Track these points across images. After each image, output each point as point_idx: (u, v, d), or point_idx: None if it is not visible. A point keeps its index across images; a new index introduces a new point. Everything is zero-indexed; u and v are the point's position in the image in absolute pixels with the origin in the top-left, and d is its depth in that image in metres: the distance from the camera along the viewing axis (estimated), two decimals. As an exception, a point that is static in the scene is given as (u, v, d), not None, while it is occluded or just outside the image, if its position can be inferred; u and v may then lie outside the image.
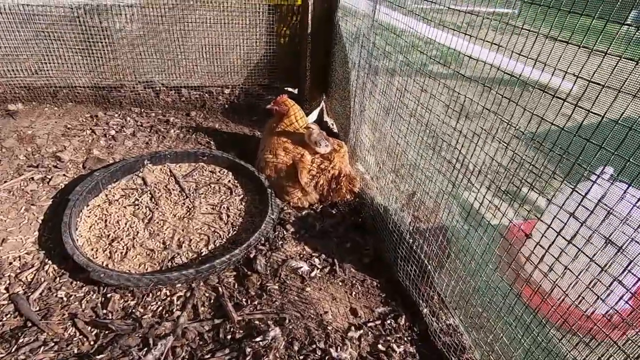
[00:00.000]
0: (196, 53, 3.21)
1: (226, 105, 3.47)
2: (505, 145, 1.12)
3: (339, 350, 1.55)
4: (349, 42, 2.64)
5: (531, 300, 1.05)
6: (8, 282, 1.72)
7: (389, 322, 1.74)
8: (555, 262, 0.93)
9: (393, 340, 1.65)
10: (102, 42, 2.97)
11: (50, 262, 1.84)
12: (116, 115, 3.14)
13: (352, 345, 1.60)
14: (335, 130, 3.28)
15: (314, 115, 3.54)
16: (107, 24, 2.91)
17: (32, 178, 2.32)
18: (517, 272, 1.08)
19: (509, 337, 1.12)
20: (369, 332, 1.68)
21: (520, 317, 1.06)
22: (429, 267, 1.63)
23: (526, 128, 1.05)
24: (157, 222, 2.13)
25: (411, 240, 1.77)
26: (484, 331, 1.28)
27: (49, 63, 2.98)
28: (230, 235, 2.12)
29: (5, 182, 2.25)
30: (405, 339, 1.67)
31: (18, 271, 1.78)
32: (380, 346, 1.62)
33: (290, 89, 3.66)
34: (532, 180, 1.05)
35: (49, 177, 2.34)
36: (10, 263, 1.81)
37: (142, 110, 3.27)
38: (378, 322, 1.73)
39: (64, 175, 2.39)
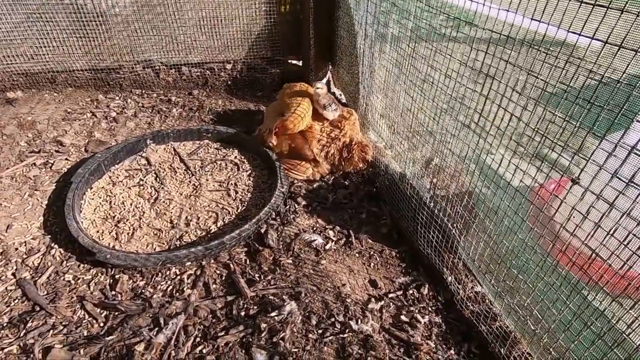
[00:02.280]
0: (194, 27, 3.06)
1: (229, 82, 3.34)
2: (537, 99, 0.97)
3: (359, 322, 1.46)
4: (354, 2, 2.45)
5: (573, 261, 0.92)
6: (15, 267, 1.67)
7: (411, 292, 1.63)
8: (610, 209, 0.79)
9: (417, 311, 1.55)
10: (95, 21, 2.84)
11: (56, 246, 1.78)
12: (117, 97, 3.04)
13: (373, 317, 1.50)
14: (344, 100, 3.12)
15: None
16: (98, 1, 2.77)
17: (34, 163, 2.25)
18: (559, 225, 0.95)
19: (551, 299, 1.00)
20: (391, 303, 1.58)
21: (565, 277, 0.93)
22: (454, 231, 1.51)
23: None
24: (164, 202, 2.05)
25: (432, 205, 1.64)
26: (519, 294, 1.16)
27: (44, 47, 2.88)
28: (239, 211, 2.03)
29: (7, 168, 2.19)
30: (430, 308, 1.57)
31: (24, 256, 1.72)
32: (403, 317, 1.52)
33: (294, 61, 3.49)
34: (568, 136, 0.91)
35: (51, 161, 2.28)
36: (17, 249, 1.76)
37: (143, 91, 3.16)
38: (399, 292, 1.63)
39: (66, 159, 2.31)
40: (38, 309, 1.49)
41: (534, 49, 0.98)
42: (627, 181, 0.75)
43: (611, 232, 0.79)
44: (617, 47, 0.73)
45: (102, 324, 1.44)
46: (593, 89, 0.84)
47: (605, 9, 0.76)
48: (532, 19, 0.96)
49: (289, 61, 3.46)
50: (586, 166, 0.88)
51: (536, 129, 1.00)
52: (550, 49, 0.95)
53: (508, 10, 1.05)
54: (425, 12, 1.51)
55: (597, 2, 0.77)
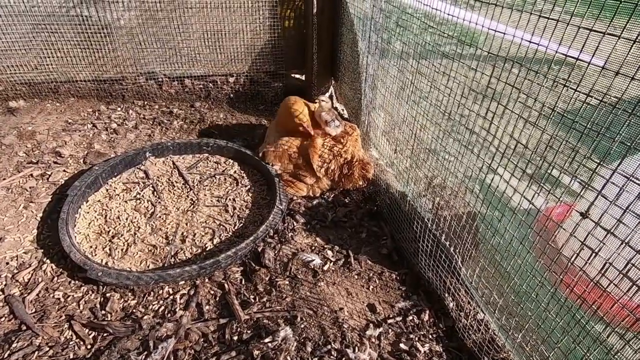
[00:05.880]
0: (198, 40, 3.07)
1: (231, 95, 3.33)
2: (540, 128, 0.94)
3: (356, 350, 1.40)
4: (357, 19, 2.45)
5: (585, 297, 0.87)
6: (4, 283, 1.63)
7: (411, 318, 1.58)
8: (621, 244, 0.75)
9: (417, 338, 1.49)
10: (100, 33, 2.86)
11: (48, 261, 1.74)
12: (119, 108, 3.04)
13: (371, 344, 1.44)
14: (347, 115, 3.10)
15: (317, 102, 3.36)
16: (103, 13, 2.79)
17: (32, 174, 2.23)
18: (566, 260, 0.91)
19: (558, 336, 0.95)
20: (390, 330, 1.52)
21: (574, 314, 0.88)
22: (456, 256, 1.46)
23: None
24: (160, 217, 2.01)
25: (434, 228, 1.59)
26: (525, 329, 1.10)
27: (49, 57, 2.89)
28: (236, 228, 1.99)
29: (3, 179, 2.17)
30: (430, 336, 1.51)
31: (15, 271, 1.68)
32: (402, 345, 1.46)
33: (297, 75, 3.49)
34: (571, 162, 0.87)
35: (49, 173, 2.25)
36: (7, 263, 1.72)
37: (145, 102, 3.15)
38: (399, 318, 1.57)
39: (64, 170, 2.29)
40: (25, 328, 1.44)
41: (540, 75, 0.95)
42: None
43: (625, 272, 0.74)
44: (630, 79, 0.70)
45: (89, 346, 1.39)
46: (600, 112, 0.80)
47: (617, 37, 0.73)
48: (538, 43, 0.93)
49: (292, 75, 3.46)
50: (591, 190, 0.84)
51: (543, 156, 0.96)
52: (553, 68, 0.92)
53: (514, 35, 1.02)
54: (426, 32, 1.49)
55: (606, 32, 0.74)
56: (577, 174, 0.87)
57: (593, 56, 0.81)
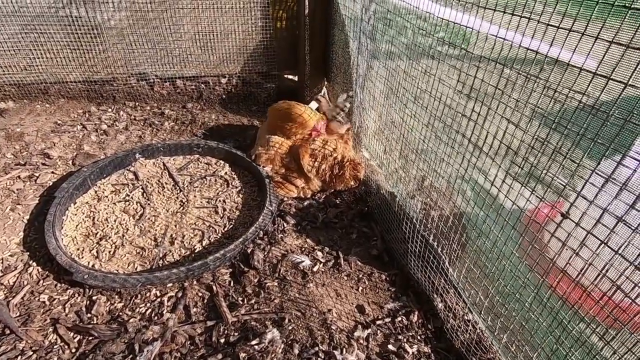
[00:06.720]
0: (190, 41, 3.06)
1: (223, 96, 3.32)
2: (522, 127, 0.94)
3: (344, 352, 1.39)
4: (348, 20, 2.45)
5: (569, 295, 0.87)
6: (-11, 286, 1.61)
7: (399, 319, 1.57)
8: (600, 245, 0.75)
9: (405, 340, 1.48)
10: (90, 34, 2.84)
11: (34, 263, 1.72)
12: (109, 109, 3.01)
13: (359, 346, 1.44)
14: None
15: (315, 102, 3.36)
16: (93, 14, 2.77)
17: (19, 176, 2.20)
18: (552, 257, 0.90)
19: (542, 337, 0.95)
20: (378, 331, 1.52)
21: (555, 314, 0.88)
22: (443, 257, 1.46)
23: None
24: (149, 219, 1.99)
25: (423, 229, 1.59)
26: (510, 329, 1.10)
27: (38, 58, 2.87)
28: (226, 229, 1.98)
29: (-10, 181, 2.14)
30: (419, 337, 1.51)
31: (0, 274, 1.66)
32: (390, 346, 1.45)
33: (290, 76, 3.49)
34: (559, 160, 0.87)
35: (37, 174, 2.23)
36: (-7, 266, 1.70)
37: (137, 103, 3.13)
38: (388, 319, 1.57)
39: (52, 172, 2.27)
40: (8, 332, 1.42)
41: (530, 79, 0.95)
42: (618, 218, 0.71)
43: (604, 272, 0.74)
44: (624, 84, 0.70)
45: (74, 350, 1.37)
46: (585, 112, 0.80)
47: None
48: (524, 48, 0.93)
49: (285, 76, 3.45)
50: (577, 188, 0.84)
51: (526, 156, 0.96)
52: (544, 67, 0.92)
53: (499, 37, 1.02)
54: (416, 34, 1.49)
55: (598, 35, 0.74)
56: (564, 173, 0.87)
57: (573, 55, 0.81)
